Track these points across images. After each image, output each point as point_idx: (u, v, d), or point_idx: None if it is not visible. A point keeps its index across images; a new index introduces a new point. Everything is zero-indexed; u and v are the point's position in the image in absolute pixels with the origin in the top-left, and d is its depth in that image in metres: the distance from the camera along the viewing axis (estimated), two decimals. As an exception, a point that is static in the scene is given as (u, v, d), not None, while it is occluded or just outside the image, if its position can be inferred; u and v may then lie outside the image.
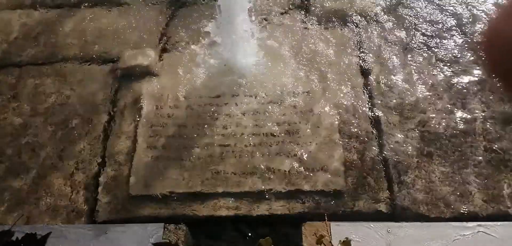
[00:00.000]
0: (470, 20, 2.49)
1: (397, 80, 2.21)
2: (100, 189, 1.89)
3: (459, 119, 2.03)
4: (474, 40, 2.37)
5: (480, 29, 2.42)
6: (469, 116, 2.04)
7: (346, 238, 1.47)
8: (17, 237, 1.64)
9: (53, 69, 2.39)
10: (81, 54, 2.46)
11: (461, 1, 2.59)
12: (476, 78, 2.20)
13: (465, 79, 2.20)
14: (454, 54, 2.32)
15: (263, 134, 2.01)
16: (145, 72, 2.31)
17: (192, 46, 2.45)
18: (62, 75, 2.35)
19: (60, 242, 1.66)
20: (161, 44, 2.49)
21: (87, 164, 1.98)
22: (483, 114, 2.04)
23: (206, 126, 2.06)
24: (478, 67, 2.24)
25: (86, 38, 2.55)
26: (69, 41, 2.54)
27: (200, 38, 2.49)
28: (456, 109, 2.07)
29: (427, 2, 2.61)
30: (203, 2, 2.71)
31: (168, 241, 1.66)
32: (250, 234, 1.74)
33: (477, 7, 2.55)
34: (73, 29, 2.61)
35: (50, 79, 2.34)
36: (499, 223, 1.65)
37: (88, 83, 2.31)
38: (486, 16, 2.48)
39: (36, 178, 1.94)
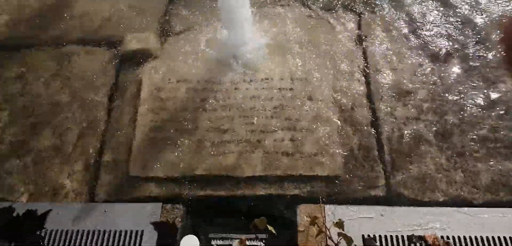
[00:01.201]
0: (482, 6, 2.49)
1: (398, 66, 2.21)
2: (100, 170, 1.92)
3: (457, 105, 2.04)
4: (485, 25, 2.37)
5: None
6: (469, 103, 2.05)
7: (339, 219, 1.49)
8: (18, 213, 1.68)
9: (55, 52, 2.41)
10: (83, 38, 2.48)
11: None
12: (477, 64, 2.20)
13: (467, 63, 2.20)
14: (459, 41, 2.31)
15: (262, 118, 2.03)
16: (147, 56, 2.33)
17: (194, 30, 2.47)
18: (64, 58, 2.37)
19: (60, 219, 1.70)
20: (162, 28, 2.50)
21: (88, 145, 2.01)
22: (483, 102, 2.05)
23: (205, 110, 2.08)
24: (483, 54, 2.24)
25: (88, 22, 2.57)
26: (71, 24, 2.56)
27: (202, 22, 2.51)
28: (454, 96, 2.07)
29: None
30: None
31: (165, 220, 1.69)
32: (246, 215, 1.77)
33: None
34: (75, 12, 2.62)
35: (52, 61, 2.36)
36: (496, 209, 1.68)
37: (89, 66, 2.33)
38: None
39: (37, 158, 1.97)
